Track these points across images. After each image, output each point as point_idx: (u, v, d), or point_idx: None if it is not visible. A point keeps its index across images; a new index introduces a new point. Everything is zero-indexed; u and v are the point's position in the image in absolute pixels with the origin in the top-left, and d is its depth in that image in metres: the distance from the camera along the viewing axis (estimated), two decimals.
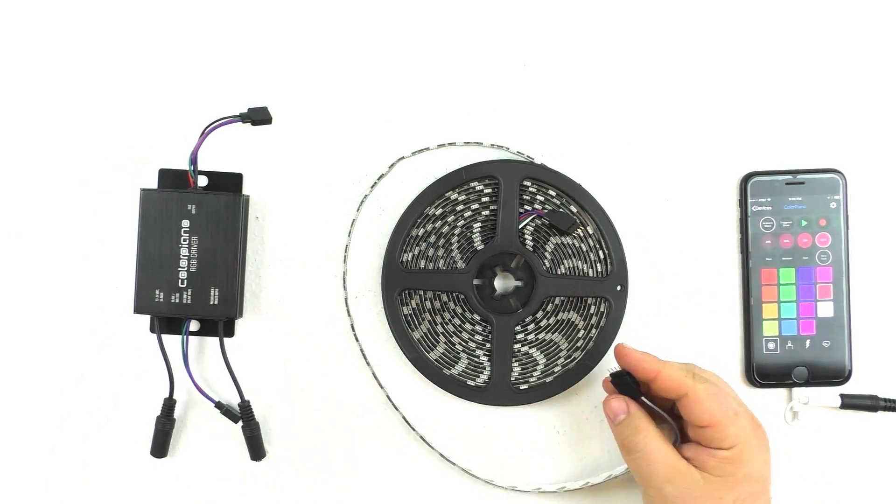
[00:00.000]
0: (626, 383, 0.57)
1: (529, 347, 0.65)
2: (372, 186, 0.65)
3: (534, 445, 0.66)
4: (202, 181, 0.65)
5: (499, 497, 0.66)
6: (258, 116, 0.63)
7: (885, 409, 0.64)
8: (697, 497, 0.53)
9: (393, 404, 0.65)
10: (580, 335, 0.64)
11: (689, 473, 0.54)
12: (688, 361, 0.59)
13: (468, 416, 0.66)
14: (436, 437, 0.66)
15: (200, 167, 0.63)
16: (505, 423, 0.66)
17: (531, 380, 0.65)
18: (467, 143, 0.66)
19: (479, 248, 0.65)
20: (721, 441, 0.54)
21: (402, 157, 0.65)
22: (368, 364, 0.65)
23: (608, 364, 0.61)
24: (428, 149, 0.66)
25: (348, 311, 0.65)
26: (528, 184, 0.64)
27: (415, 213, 0.65)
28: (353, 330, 0.65)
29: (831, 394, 0.65)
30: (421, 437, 0.66)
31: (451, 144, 0.66)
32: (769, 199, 0.65)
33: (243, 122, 0.61)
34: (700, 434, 0.55)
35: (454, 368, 0.65)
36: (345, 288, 0.65)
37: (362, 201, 0.65)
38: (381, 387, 0.65)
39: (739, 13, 0.67)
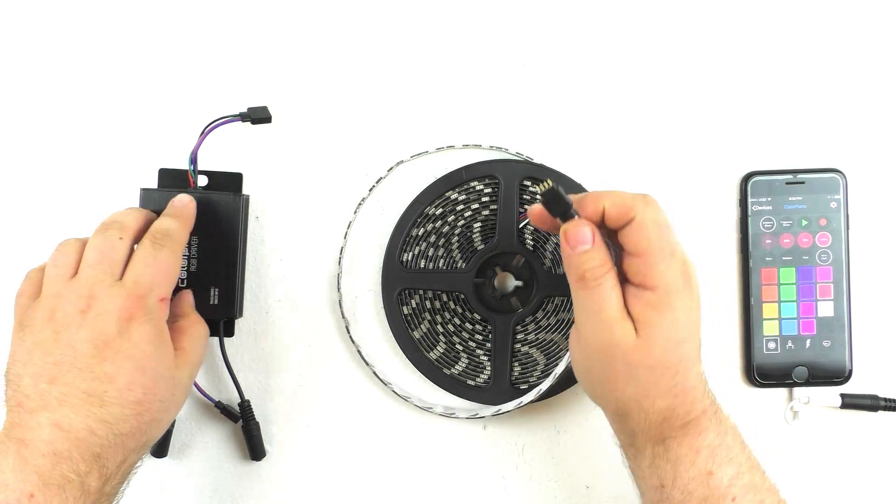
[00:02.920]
0: (559, 199, 0.50)
1: (529, 347, 0.65)
2: (370, 189, 0.65)
3: (534, 445, 0.66)
4: (202, 181, 0.64)
5: (499, 495, 0.66)
6: (258, 115, 0.62)
7: (886, 408, 0.64)
8: (627, 348, 0.50)
9: (398, 395, 0.65)
10: None
11: (626, 322, 0.50)
12: None
13: (467, 419, 0.66)
14: (436, 436, 0.66)
15: (200, 167, 0.63)
16: (505, 423, 0.66)
17: (531, 380, 0.65)
18: (466, 146, 0.66)
19: (479, 247, 0.65)
20: (646, 277, 0.50)
21: (402, 161, 0.65)
22: (367, 364, 0.65)
23: None
24: (427, 152, 0.66)
25: (342, 314, 0.65)
26: (529, 184, 0.64)
27: (415, 213, 0.65)
28: (349, 331, 0.65)
29: (831, 393, 0.65)
30: (420, 437, 0.66)
31: (449, 147, 0.66)
32: (769, 199, 0.65)
33: (243, 121, 0.61)
34: (629, 265, 0.50)
35: (454, 368, 0.65)
36: (339, 290, 0.65)
37: (360, 204, 0.65)
38: (386, 383, 0.65)
39: (739, 13, 0.67)
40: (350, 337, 0.65)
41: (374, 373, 0.65)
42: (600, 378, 0.52)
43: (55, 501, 0.47)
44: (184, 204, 0.58)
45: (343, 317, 0.65)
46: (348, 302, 0.66)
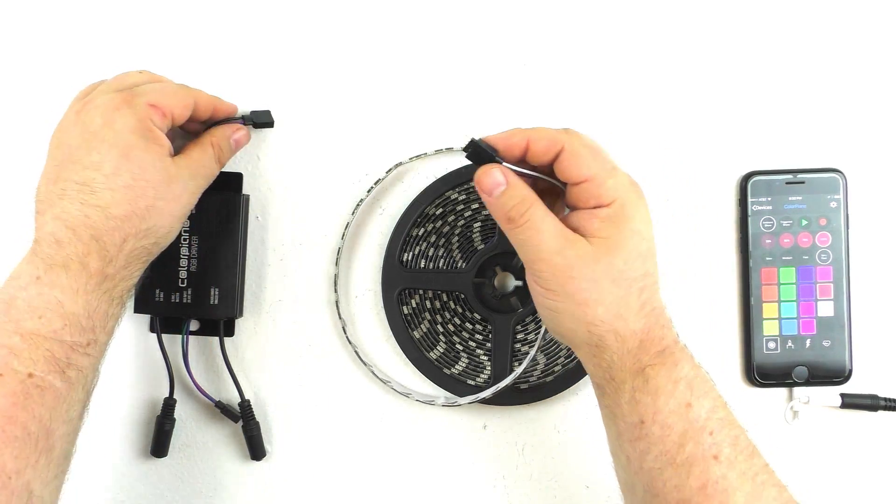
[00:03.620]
0: (481, 150, 0.50)
1: (529, 347, 0.65)
2: (368, 191, 0.65)
3: (534, 445, 0.66)
4: None
5: (499, 495, 0.66)
6: (261, 120, 0.63)
7: (886, 408, 0.64)
8: (587, 264, 0.49)
9: (398, 392, 0.65)
10: None
11: (577, 241, 0.50)
12: None
13: (469, 416, 0.66)
14: (436, 436, 0.66)
15: None
16: (505, 423, 0.66)
17: (531, 380, 0.65)
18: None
19: (479, 247, 0.65)
20: (600, 197, 0.50)
21: (400, 163, 0.65)
22: (365, 364, 0.64)
23: None
24: (426, 154, 0.66)
25: (339, 314, 0.65)
26: None
27: (415, 213, 0.65)
28: (345, 332, 0.65)
29: (831, 393, 0.65)
30: (421, 437, 0.66)
31: (448, 150, 0.66)
32: (769, 199, 0.65)
33: (245, 124, 0.61)
34: (578, 194, 0.50)
35: (454, 368, 0.65)
36: (335, 291, 0.65)
37: (358, 205, 0.65)
38: (385, 381, 0.65)
39: (739, 13, 0.67)
40: (347, 338, 0.65)
41: (373, 372, 0.65)
42: (569, 309, 0.51)
43: (61, 278, 0.52)
44: (230, 109, 0.61)
45: (340, 317, 0.65)
46: (348, 302, 0.66)
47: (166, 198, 0.55)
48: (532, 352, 0.62)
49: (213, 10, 0.67)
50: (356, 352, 0.64)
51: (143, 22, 0.67)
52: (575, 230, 0.50)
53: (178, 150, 0.58)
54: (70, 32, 0.67)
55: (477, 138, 0.51)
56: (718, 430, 0.50)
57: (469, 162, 0.52)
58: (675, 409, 0.50)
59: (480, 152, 0.51)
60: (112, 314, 0.55)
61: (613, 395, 0.53)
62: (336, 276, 0.65)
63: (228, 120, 0.61)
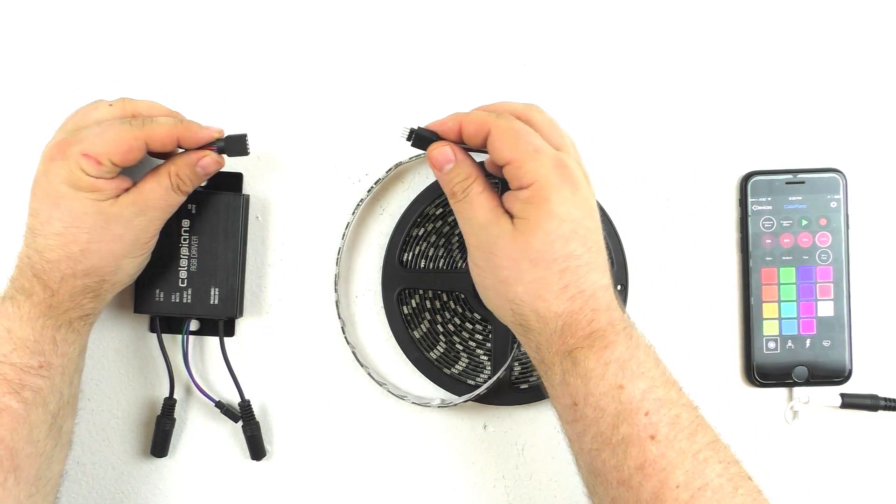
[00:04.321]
0: (422, 136, 0.55)
1: None
2: (368, 191, 0.65)
3: (534, 445, 0.66)
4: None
5: (499, 495, 0.66)
6: (233, 148, 0.58)
7: (886, 408, 0.64)
8: (507, 243, 0.51)
9: (393, 393, 0.65)
10: None
11: (501, 219, 0.52)
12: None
13: (469, 416, 0.66)
14: (436, 436, 0.66)
15: None
16: (505, 423, 0.66)
17: (531, 379, 0.65)
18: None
19: None
20: (520, 179, 0.51)
21: (400, 163, 0.65)
22: (362, 365, 0.64)
23: None
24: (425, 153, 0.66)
25: (339, 314, 0.65)
26: None
27: (415, 213, 0.65)
28: (344, 332, 0.65)
29: (831, 393, 0.65)
30: (421, 437, 0.66)
31: None
32: (769, 199, 0.65)
33: (219, 151, 0.58)
34: (506, 175, 0.53)
35: (454, 368, 0.65)
36: (336, 291, 0.65)
37: (358, 205, 0.65)
38: (380, 384, 0.65)
39: (739, 13, 0.67)
40: (345, 338, 0.65)
41: (370, 374, 0.64)
42: (493, 285, 0.53)
43: (8, 309, 0.56)
44: (202, 136, 0.57)
45: (339, 318, 0.65)
46: (348, 302, 0.66)
47: (103, 239, 0.56)
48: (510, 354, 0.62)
49: (214, 10, 0.67)
50: (354, 353, 0.64)
51: (142, 23, 0.67)
52: (507, 210, 0.53)
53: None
54: (73, 35, 0.67)
55: (416, 126, 0.55)
56: (655, 411, 0.50)
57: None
58: (606, 391, 0.51)
59: (422, 138, 0.55)
60: (62, 340, 0.57)
61: (547, 376, 0.54)
62: (336, 275, 0.65)
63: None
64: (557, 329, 0.52)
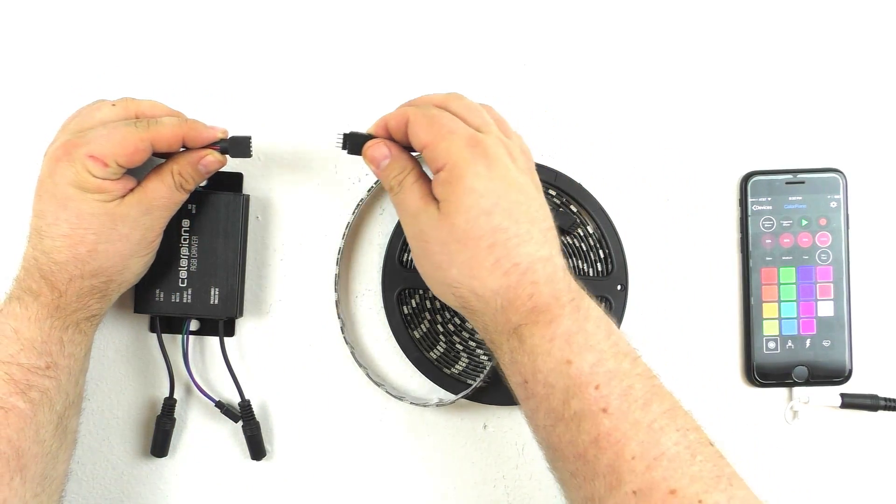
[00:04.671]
0: (356, 137, 0.56)
1: None
2: (368, 191, 0.65)
3: (534, 445, 0.66)
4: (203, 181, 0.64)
5: (499, 495, 0.66)
6: (236, 149, 0.59)
7: (886, 408, 0.64)
8: (435, 227, 0.51)
9: (391, 394, 0.65)
10: None
11: (430, 205, 0.52)
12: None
13: (469, 416, 0.66)
14: (436, 436, 0.66)
15: None
16: (505, 423, 0.66)
17: None
18: None
19: None
20: (436, 161, 0.51)
21: None
22: (361, 366, 0.64)
23: None
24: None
25: (338, 314, 0.65)
26: None
27: None
28: (343, 332, 0.65)
29: (831, 393, 0.65)
30: (421, 437, 0.66)
31: None
32: (769, 199, 0.65)
33: (222, 151, 0.59)
34: (426, 162, 0.53)
35: (454, 368, 0.65)
36: (336, 291, 0.65)
37: (358, 205, 0.65)
38: (378, 384, 0.65)
39: (739, 13, 0.67)
40: (344, 338, 0.65)
41: (368, 375, 0.64)
42: (432, 273, 0.54)
43: (15, 309, 0.56)
44: (206, 135, 0.58)
45: (339, 317, 0.65)
46: (349, 302, 0.66)
47: (111, 240, 0.56)
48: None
49: (216, 9, 0.67)
50: (352, 353, 0.64)
51: (143, 22, 0.67)
52: (435, 197, 0.53)
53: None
54: (74, 35, 0.67)
55: (347, 132, 0.56)
56: (605, 384, 0.50)
57: None
58: (554, 367, 0.50)
59: (355, 139, 0.56)
60: (69, 340, 0.57)
61: (497, 356, 0.54)
62: (336, 275, 0.65)
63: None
64: (499, 307, 0.51)
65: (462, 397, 0.64)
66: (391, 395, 0.64)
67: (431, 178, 0.53)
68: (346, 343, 0.65)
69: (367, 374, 0.64)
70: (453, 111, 0.54)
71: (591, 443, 0.49)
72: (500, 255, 0.51)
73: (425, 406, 0.65)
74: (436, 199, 0.52)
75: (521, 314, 0.51)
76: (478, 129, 0.53)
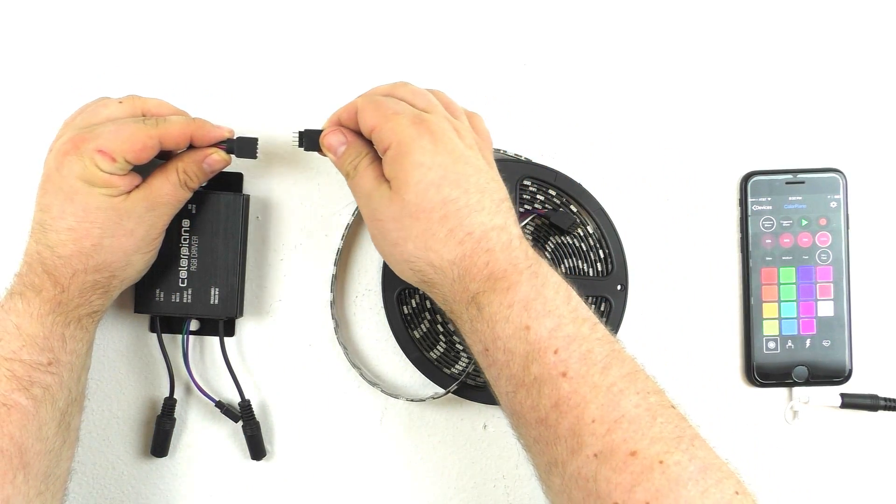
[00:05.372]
0: (309, 134, 0.58)
1: None
2: None
3: None
4: None
5: (500, 495, 0.66)
6: (243, 150, 0.59)
7: (886, 408, 0.64)
8: (388, 205, 0.53)
9: (387, 392, 0.65)
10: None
11: (382, 185, 0.53)
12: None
13: (469, 416, 0.66)
14: (436, 436, 0.66)
15: None
16: (505, 423, 0.66)
17: None
18: None
19: None
20: (383, 141, 0.53)
21: None
22: (354, 366, 0.64)
23: None
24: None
25: (332, 314, 0.65)
26: (528, 183, 0.64)
27: None
28: (336, 333, 0.65)
29: (831, 393, 0.65)
30: (421, 437, 0.66)
31: None
32: (769, 199, 0.65)
33: (228, 150, 0.59)
34: (374, 144, 0.54)
35: (454, 368, 0.65)
36: (331, 291, 0.65)
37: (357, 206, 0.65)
38: (373, 384, 0.65)
39: (739, 13, 0.67)
40: (337, 338, 0.65)
41: (362, 374, 0.64)
42: (389, 251, 0.54)
43: (17, 305, 0.55)
44: (214, 134, 0.59)
45: (332, 318, 0.65)
46: (349, 302, 0.66)
47: (116, 234, 0.56)
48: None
49: (214, 12, 0.67)
50: (345, 353, 0.64)
51: (143, 22, 0.67)
52: (386, 177, 0.54)
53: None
54: (74, 35, 0.67)
55: (302, 129, 0.58)
56: (564, 348, 0.50)
57: None
58: (513, 333, 0.51)
59: (311, 135, 0.58)
60: (71, 336, 0.57)
61: (458, 326, 0.54)
62: (333, 275, 0.65)
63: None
64: (456, 276, 0.52)
65: (453, 389, 0.63)
66: (387, 393, 0.64)
67: None
68: (340, 343, 0.64)
69: (362, 374, 0.64)
70: (399, 97, 0.55)
71: (551, 407, 0.49)
72: (453, 225, 0.52)
73: (422, 402, 0.65)
74: (387, 180, 0.53)
75: (477, 282, 0.52)
76: (423, 111, 0.54)
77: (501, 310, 0.51)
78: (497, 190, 0.54)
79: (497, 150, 0.66)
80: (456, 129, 0.54)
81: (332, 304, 0.65)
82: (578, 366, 0.49)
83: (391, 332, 0.65)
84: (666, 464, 0.47)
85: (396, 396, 0.65)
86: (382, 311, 0.65)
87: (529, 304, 0.51)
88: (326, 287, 0.66)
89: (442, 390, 0.64)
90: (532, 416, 0.50)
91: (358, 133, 0.56)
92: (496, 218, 0.52)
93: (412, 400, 0.65)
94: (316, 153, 0.58)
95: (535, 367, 0.50)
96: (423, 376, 0.65)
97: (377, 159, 0.55)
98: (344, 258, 0.66)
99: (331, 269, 0.65)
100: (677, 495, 0.46)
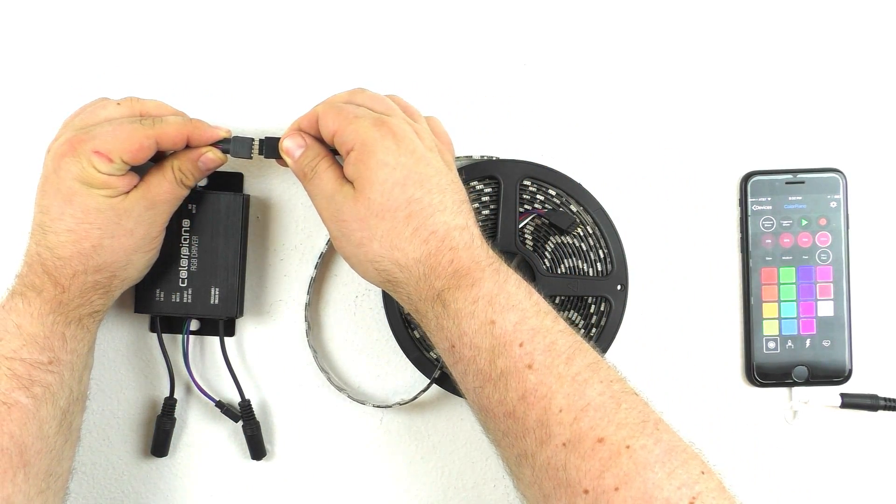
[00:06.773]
0: (269, 141, 0.59)
1: None
2: None
3: None
4: (202, 180, 0.64)
5: (500, 495, 0.66)
6: (237, 150, 0.60)
7: (885, 408, 0.64)
8: (352, 205, 0.53)
9: (354, 399, 0.65)
10: (580, 334, 0.64)
11: (344, 186, 0.54)
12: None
13: (469, 416, 0.66)
14: (436, 436, 0.66)
15: None
16: None
17: None
18: (457, 158, 0.65)
19: None
20: (345, 143, 0.54)
21: None
22: (322, 370, 0.64)
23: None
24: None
25: (305, 317, 0.65)
26: (528, 183, 0.65)
27: None
28: (307, 336, 0.65)
29: (831, 393, 0.65)
30: (421, 437, 0.66)
31: None
32: (769, 199, 0.65)
33: (224, 150, 0.59)
34: (337, 147, 0.55)
35: None
36: (308, 293, 0.65)
37: None
38: (340, 389, 0.65)
39: (739, 13, 0.67)
40: (308, 342, 0.65)
41: (329, 380, 0.64)
42: (353, 252, 0.55)
43: (18, 305, 0.56)
44: (210, 135, 0.59)
45: (305, 320, 0.65)
46: (349, 302, 0.66)
47: (115, 235, 0.56)
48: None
49: (214, 12, 0.67)
50: (314, 357, 0.64)
51: (143, 22, 0.67)
52: (348, 179, 0.55)
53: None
54: (74, 35, 0.67)
55: (262, 137, 0.59)
56: (529, 340, 0.51)
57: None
58: (478, 328, 0.52)
59: (271, 143, 0.59)
60: (71, 336, 0.57)
61: (424, 324, 0.55)
62: (312, 278, 0.65)
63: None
64: (421, 274, 0.53)
65: (420, 395, 0.63)
66: (354, 399, 0.64)
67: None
68: (310, 346, 0.64)
69: (329, 380, 0.64)
70: (358, 102, 0.56)
71: (518, 399, 0.50)
72: (418, 224, 0.53)
73: (388, 407, 0.65)
74: (349, 181, 0.54)
75: (443, 279, 0.53)
76: (383, 114, 0.55)
77: (466, 305, 0.52)
78: (457, 191, 0.55)
79: (491, 158, 0.66)
80: (416, 132, 0.55)
81: (308, 306, 0.65)
82: (543, 357, 0.50)
83: (391, 332, 0.65)
84: (633, 448, 0.48)
85: (363, 402, 0.65)
86: (382, 311, 0.65)
87: (493, 299, 0.52)
88: (326, 287, 0.66)
89: (407, 394, 0.64)
90: (500, 410, 0.51)
91: (317, 138, 0.57)
92: (458, 218, 0.54)
93: (378, 406, 0.65)
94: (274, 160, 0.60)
95: (501, 361, 0.51)
96: (423, 377, 0.65)
97: (336, 162, 0.56)
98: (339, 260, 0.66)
99: (335, 269, 0.65)
100: (645, 478, 0.47)
